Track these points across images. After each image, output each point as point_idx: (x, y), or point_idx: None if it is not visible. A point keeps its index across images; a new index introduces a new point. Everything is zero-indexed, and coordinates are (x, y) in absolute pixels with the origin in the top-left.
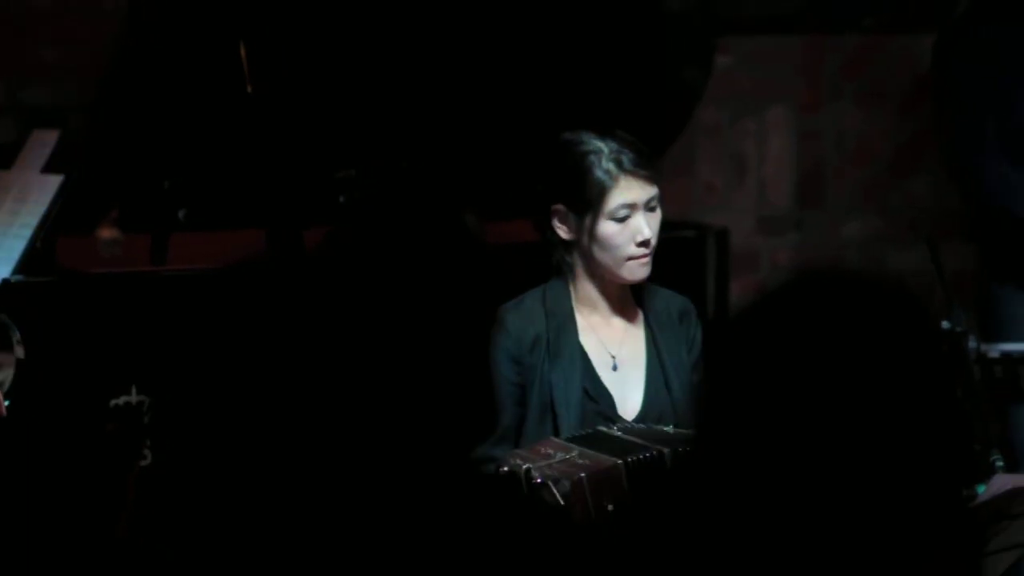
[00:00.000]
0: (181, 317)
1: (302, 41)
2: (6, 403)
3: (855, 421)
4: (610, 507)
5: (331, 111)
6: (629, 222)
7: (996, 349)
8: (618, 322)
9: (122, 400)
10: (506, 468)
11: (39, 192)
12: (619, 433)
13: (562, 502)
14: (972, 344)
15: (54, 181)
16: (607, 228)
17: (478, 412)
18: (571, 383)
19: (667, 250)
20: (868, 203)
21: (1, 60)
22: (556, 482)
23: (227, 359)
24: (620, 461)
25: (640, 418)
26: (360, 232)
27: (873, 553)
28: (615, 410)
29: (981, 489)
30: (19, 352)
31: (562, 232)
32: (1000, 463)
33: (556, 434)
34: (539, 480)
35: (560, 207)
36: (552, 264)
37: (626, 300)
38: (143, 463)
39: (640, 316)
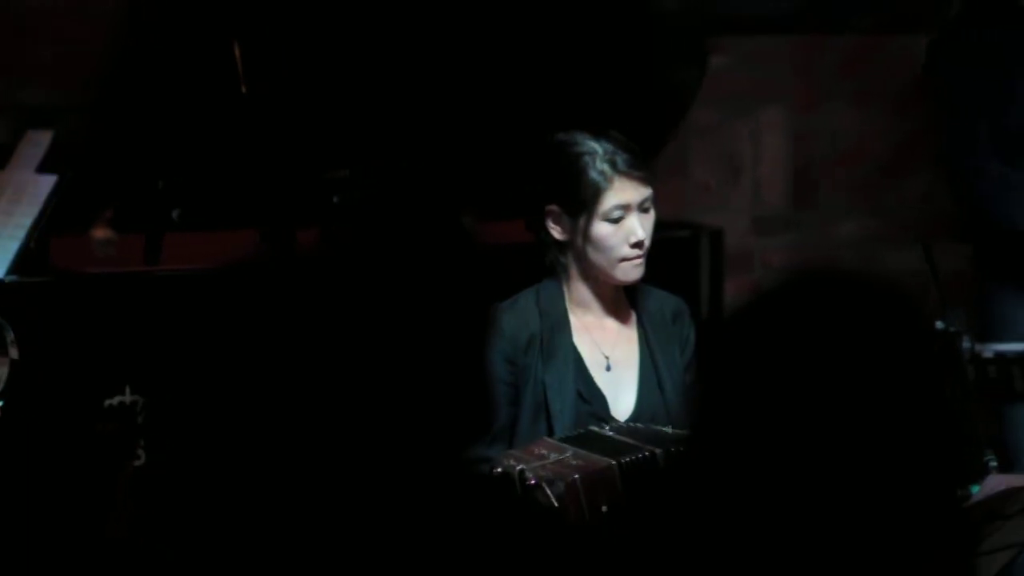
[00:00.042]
0: (175, 317)
1: (296, 41)
2: (0, 403)
3: (849, 421)
4: (604, 508)
5: (325, 111)
6: (623, 223)
7: (990, 349)
8: (611, 323)
9: (116, 400)
10: (500, 469)
11: (33, 192)
12: (612, 433)
13: (556, 503)
14: (966, 344)
15: (48, 181)
16: (601, 229)
17: (472, 412)
18: (565, 384)
19: (661, 250)
20: (862, 203)
21: None
22: (550, 483)
23: (221, 359)
24: (614, 462)
25: (633, 419)
26: (354, 232)
27: (868, 553)
28: (608, 411)
29: (975, 489)
30: (13, 352)
31: (556, 233)
32: (994, 463)
33: (550, 434)
34: (533, 481)
35: (554, 208)
36: (546, 264)
37: (620, 301)
38: (137, 463)
39: (633, 317)
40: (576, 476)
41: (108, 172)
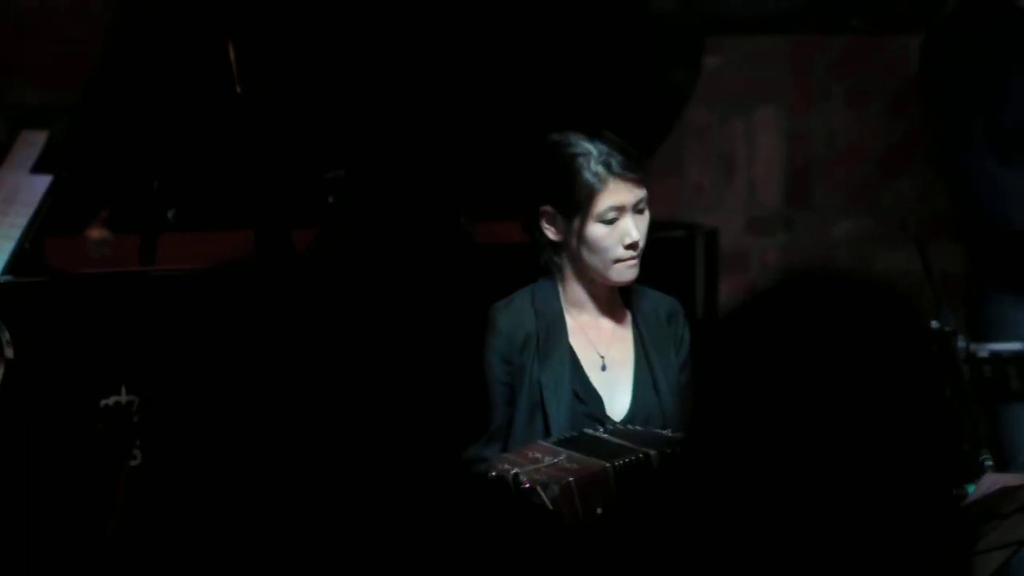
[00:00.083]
0: (170, 317)
1: (291, 42)
2: None
3: (845, 421)
4: (599, 510)
5: (320, 111)
6: (617, 224)
7: (985, 349)
8: (607, 323)
9: (112, 400)
10: (494, 473)
11: (28, 192)
12: (606, 436)
13: (551, 506)
14: (961, 344)
15: (43, 181)
16: (595, 230)
17: (469, 412)
18: (560, 383)
19: (656, 250)
20: (857, 203)
21: None
22: (544, 487)
23: (217, 359)
24: (608, 464)
25: (628, 419)
26: (349, 232)
27: (864, 553)
28: (604, 411)
29: (971, 488)
30: (8, 353)
31: (550, 233)
32: (989, 462)
33: (546, 433)
34: (527, 485)
35: (548, 208)
36: (540, 265)
37: (614, 301)
38: (133, 463)
39: (628, 317)
40: (570, 479)
41: (103, 172)
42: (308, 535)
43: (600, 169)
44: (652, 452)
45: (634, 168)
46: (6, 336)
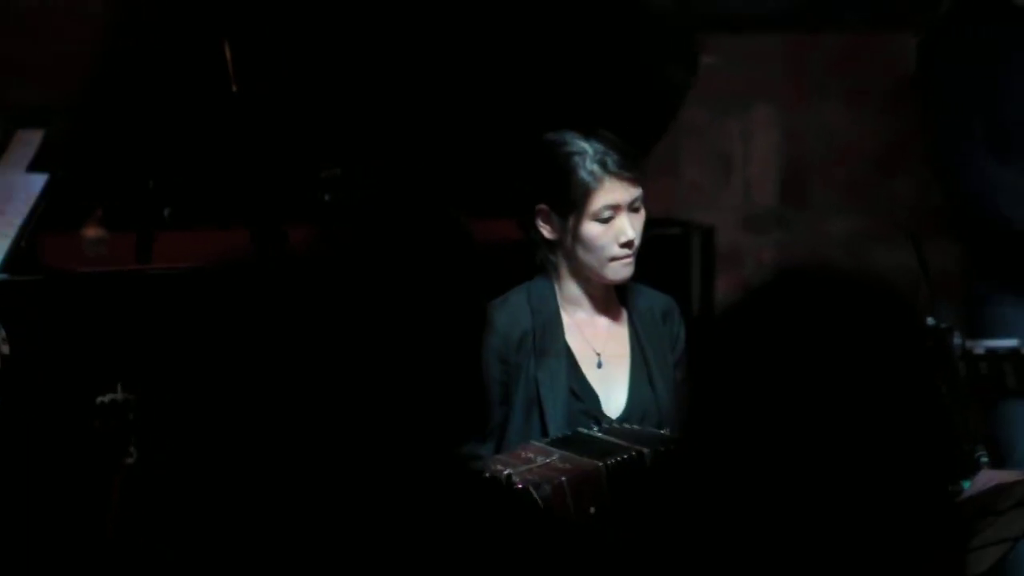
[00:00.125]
0: (166, 315)
1: (287, 40)
2: None
3: (841, 418)
4: (592, 509)
5: (316, 110)
6: (613, 223)
7: (981, 346)
8: (602, 320)
9: (108, 398)
10: (488, 474)
11: (24, 191)
12: (600, 434)
13: (543, 506)
14: (957, 341)
15: (39, 180)
16: (591, 229)
17: (465, 410)
18: (557, 381)
19: (652, 248)
20: (853, 201)
21: None
22: (537, 486)
23: (212, 357)
24: (600, 463)
25: (624, 416)
26: (345, 231)
27: (859, 550)
28: (600, 408)
29: (966, 485)
30: (4, 350)
31: (546, 232)
32: (985, 459)
33: (543, 432)
34: (520, 485)
35: (544, 207)
36: (536, 263)
37: (610, 299)
38: (129, 461)
39: (624, 315)
40: (562, 478)
41: (99, 171)
42: (304, 534)
43: (596, 168)
44: (645, 450)
45: (630, 167)
46: (2, 334)
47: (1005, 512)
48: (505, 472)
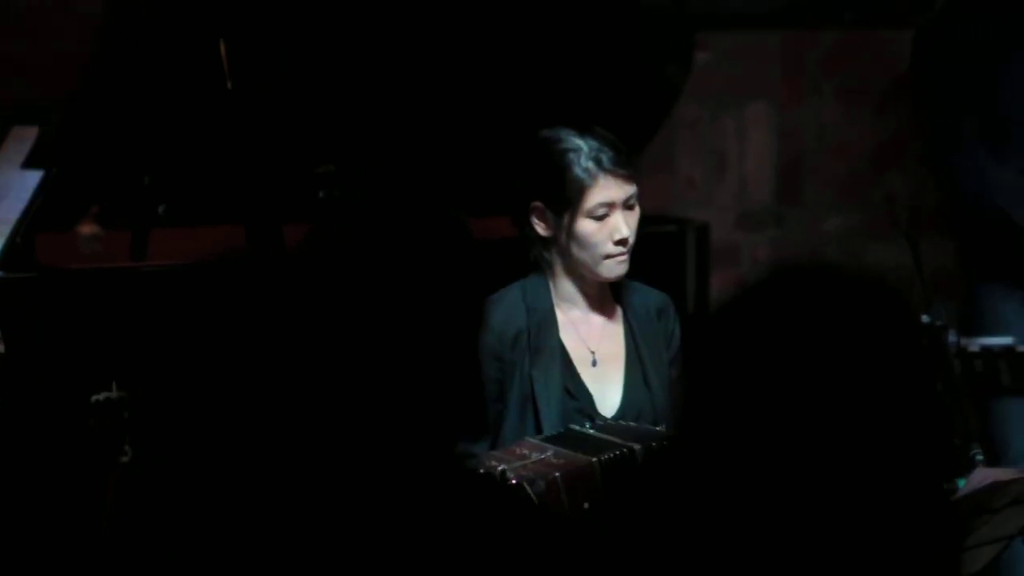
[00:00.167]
0: (161, 313)
1: (282, 37)
2: None
3: (835, 415)
4: (585, 505)
5: (311, 107)
6: (607, 221)
7: (976, 343)
8: (597, 318)
9: (103, 396)
10: (482, 470)
11: (19, 188)
12: (594, 432)
13: (537, 501)
14: (952, 338)
15: (34, 177)
16: (585, 226)
17: (459, 409)
18: (551, 379)
19: (647, 245)
20: (848, 199)
21: None
22: (531, 482)
23: (207, 355)
24: (595, 459)
25: (619, 414)
26: (342, 228)
27: (854, 547)
28: (595, 406)
29: (962, 483)
30: None
31: (540, 229)
32: (980, 457)
33: (537, 430)
34: (514, 481)
35: (538, 204)
36: (530, 260)
37: (605, 297)
38: (123, 459)
39: (619, 312)
40: (556, 474)
41: (94, 168)
42: (298, 531)
43: (590, 165)
44: (637, 447)
45: (624, 164)
46: None
47: (1000, 510)
48: (499, 468)
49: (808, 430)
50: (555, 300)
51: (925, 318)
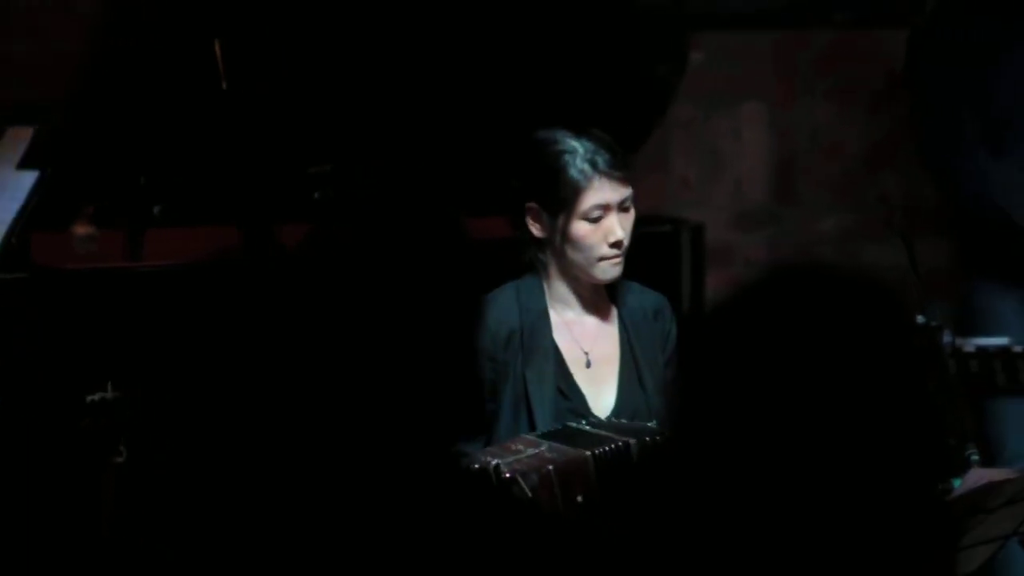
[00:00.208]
0: (157, 313)
1: (278, 38)
2: None
3: (831, 416)
4: (579, 499)
5: (306, 107)
6: (602, 222)
7: (971, 343)
8: (591, 320)
9: (98, 396)
10: (476, 465)
11: (14, 188)
12: (589, 428)
13: (530, 495)
14: (947, 338)
15: (29, 177)
16: (580, 228)
17: (453, 408)
18: (545, 380)
19: (642, 245)
20: (843, 199)
21: None
22: (524, 476)
23: (203, 355)
24: (588, 453)
25: (614, 416)
26: (337, 228)
27: (849, 548)
28: (588, 407)
29: (957, 483)
30: None
31: (535, 230)
32: (975, 457)
33: (531, 429)
34: (508, 475)
35: (534, 205)
36: (525, 261)
37: (600, 298)
38: (119, 460)
39: (614, 313)
40: (550, 468)
41: (89, 168)
42: (295, 530)
43: (586, 167)
44: (632, 441)
45: (620, 166)
46: None
47: (995, 510)
48: (493, 462)
49: (804, 431)
50: (549, 301)
51: (920, 318)
